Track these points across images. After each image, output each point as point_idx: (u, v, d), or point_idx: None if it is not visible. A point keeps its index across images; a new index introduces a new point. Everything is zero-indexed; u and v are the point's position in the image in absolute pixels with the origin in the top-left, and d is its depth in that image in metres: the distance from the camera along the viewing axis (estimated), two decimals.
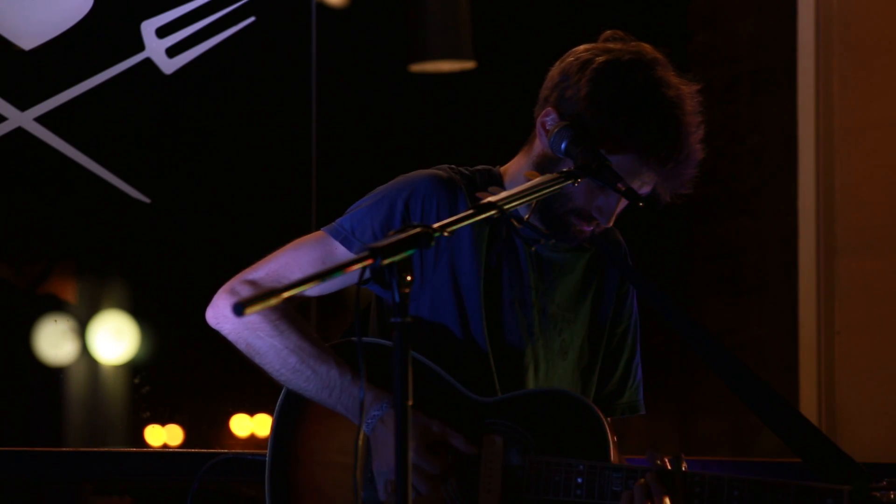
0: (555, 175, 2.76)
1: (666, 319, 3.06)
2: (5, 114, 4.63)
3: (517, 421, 2.89)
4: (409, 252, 2.31)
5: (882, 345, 5.16)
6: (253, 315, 2.90)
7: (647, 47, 3.00)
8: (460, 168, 3.08)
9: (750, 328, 5.52)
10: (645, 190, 2.95)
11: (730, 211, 5.67)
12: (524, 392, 2.95)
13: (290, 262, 2.98)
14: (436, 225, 2.41)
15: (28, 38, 4.65)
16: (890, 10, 5.24)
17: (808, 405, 5.16)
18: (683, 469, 2.80)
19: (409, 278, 2.28)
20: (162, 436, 4.97)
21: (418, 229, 2.34)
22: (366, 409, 2.87)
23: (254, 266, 3.02)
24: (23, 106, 4.65)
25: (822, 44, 5.31)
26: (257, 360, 2.96)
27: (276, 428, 2.97)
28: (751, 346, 5.40)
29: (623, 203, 2.97)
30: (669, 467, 2.80)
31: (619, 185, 2.77)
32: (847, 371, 5.21)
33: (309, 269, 2.95)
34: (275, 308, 2.93)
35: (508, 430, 2.89)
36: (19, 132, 4.65)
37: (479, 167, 3.10)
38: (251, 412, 5.07)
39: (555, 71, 3.03)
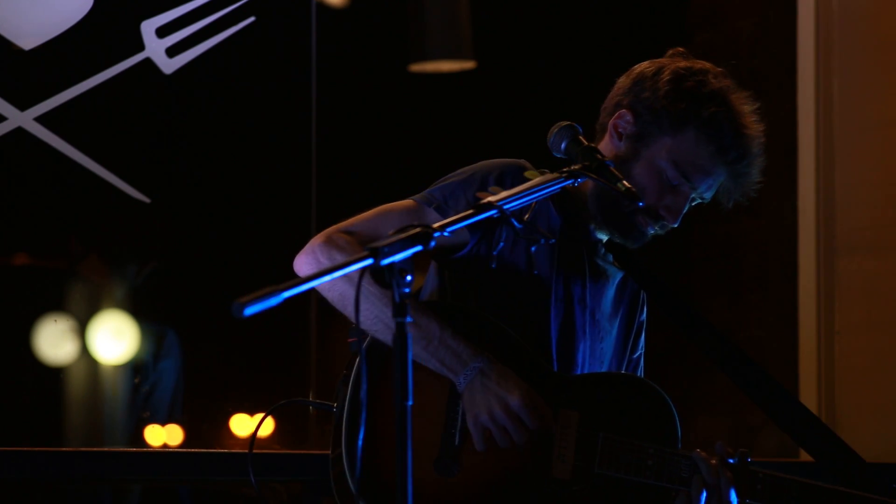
0: (556, 175, 2.80)
1: (675, 323, 3.13)
2: (5, 114, 4.63)
3: (592, 398, 2.98)
4: (410, 252, 2.33)
5: (882, 345, 5.15)
6: (352, 268, 2.92)
7: (711, 65, 3.13)
8: None
9: (750, 328, 5.52)
10: (709, 194, 3.11)
11: (730, 211, 5.67)
12: (601, 373, 3.08)
13: (385, 223, 2.99)
14: (435, 225, 2.45)
15: (28, 38, 4.65)
16: (890, 9, 5.24)
17: (808, 405, 5.13)
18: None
19: (408, 278, 2.30)
20: (162, 436, 4.97)
21: (418, 229, 2.36)
22: (465, 362, 2.91)
23: (348, 221, 3.03)
24: (23, 106, 4.65)
25: (822, 44, 5.30)
26: (350, 309, 2.96)
27: (356, 378, 2.96)
28: (751, 346, 5.40)
29: (686, 207, 3.08)
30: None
31: (619, 184, 2.80)
32: (847, 371, 5.21)
33: None
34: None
35: (583, 406, 2.97)
36: (19, 132, 4.65)
37: (542, 170, 3.14)
38: (251, 412, 5.07)
39: (624, 80, 3.13)
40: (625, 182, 2.82)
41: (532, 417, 2.90)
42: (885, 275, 5.18)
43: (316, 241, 2.99)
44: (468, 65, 5.60)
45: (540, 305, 3.04)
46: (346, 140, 5.28)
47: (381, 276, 2.33)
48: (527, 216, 3.06)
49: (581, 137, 2.87)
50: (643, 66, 3.12)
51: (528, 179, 3.02)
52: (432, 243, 2.39)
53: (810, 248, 5.30)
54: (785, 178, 5.42)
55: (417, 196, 3.06)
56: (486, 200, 2.62)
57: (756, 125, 3.07)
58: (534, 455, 2.95)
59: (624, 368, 3.21)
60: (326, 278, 2.33)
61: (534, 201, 2.84)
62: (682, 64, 3.09)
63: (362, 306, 2.94)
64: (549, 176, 2.79)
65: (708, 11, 5.76)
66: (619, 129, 3.08)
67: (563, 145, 2.87)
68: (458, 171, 3.09)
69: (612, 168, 2.83)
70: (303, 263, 2.99)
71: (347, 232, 3.01)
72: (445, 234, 2.47)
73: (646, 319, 3.27)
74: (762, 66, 5.58)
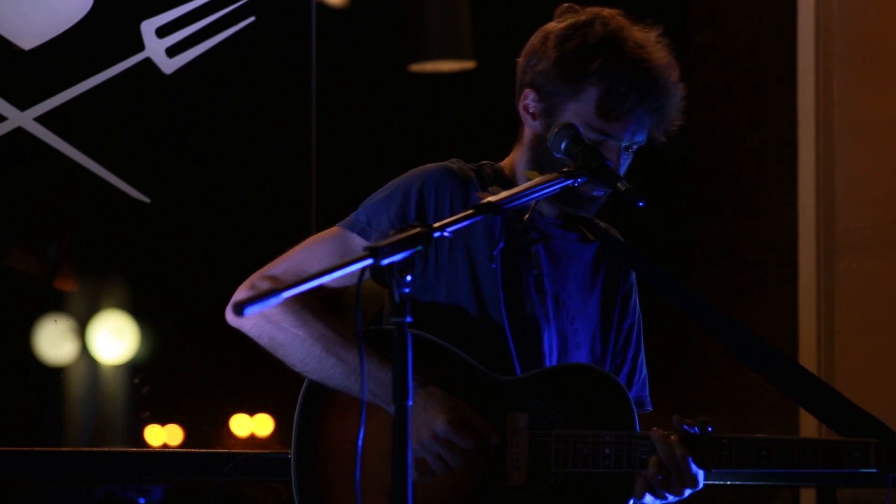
0: (555, 175, 2.79)
1: (667, 298, 3.10)
2: (5, 114, 4.63)
3: (541, 397, 2.92)
4: (410, 252, 2.33)
5: (882, 345, 5.16)
6: (274, 309, 2.90)
7: (603, 8, 3.03)
8: (467, 163, 3.11)
9: (750, 328, 5.52)
10: (640, 137, 2.99)
11: (730, 211, 5.67)
12: (546, 369, 2.98)
13: (309, 257, 2.98)
14: (436, 224, 2.45)
15: (28, 38, 4.65)
16: (890, 9, 5.24)
17: None
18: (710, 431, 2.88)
19: (408, 278, 2.30)
20: (162, 436, 4.97)
21: (418, 229, 2.37)
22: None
23: (273, 262, 3.01)
24: (23, 106, 4.65)
25: (822, 44, 5.31)
26: (281, 353, 2.96)
27: (299, 422, 2.97)
28: None
29: (627, 158, 3.00)
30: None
31: (619, 184, 2.80)
32: (847, 371, 5.21)
33: (327, 263, 2.86)
34: (296, 299, 2.91)
35: (533, 407, 2.91)
36: (19, 132, 4.65)
37: (483, 162, 3.13)
38: (251, 412, 5.07)
39: (521, 60, 3.09)
40: (625, 182, 2.81)
41: (463, 438, 2.84)
42: (885, 275, 5.19)
43: (240, 292, 2.97)
44: (468, 65, 5.60)
45: (489, 305, 2.98)
46: (346, 140, 5.28)
47: (381, 277, 2.33)
48: (527, 216, 3.06)
49: (581, 137, 2.87)
50: (532, 39, 3.06)
51: (458, 183, 3.00)
52: (433, 243, 2.39)
53: (810, 248, 5.30)
54: (785, 177, 5.42)
55: (343, 221, 3.01)
56: (485, 200, 2.59)
57: (657, 52, 2.97)
58: (486, 468, 2.89)
59: (612, 340, 3.13)
60: (326, 278, 2.34)
61: (534, 201, 2.83)
62: (568, 22, 3.00)
63: (289, 350, 2.94)
64: (548, 176, 2.77)
65: (708, 11, 5.77)
66: (530, 110, 3.03)
67: (563, 145, 2.85)
68: (384, 186, 3.04)
69: (612, 168, 2.82)
70: (229, 312, 2.93)
71: (271, 276, 2.98)
72: (446, 234, 2.46)
73: (635, 284, 3.18)
74: (762, 66, 5.58)
